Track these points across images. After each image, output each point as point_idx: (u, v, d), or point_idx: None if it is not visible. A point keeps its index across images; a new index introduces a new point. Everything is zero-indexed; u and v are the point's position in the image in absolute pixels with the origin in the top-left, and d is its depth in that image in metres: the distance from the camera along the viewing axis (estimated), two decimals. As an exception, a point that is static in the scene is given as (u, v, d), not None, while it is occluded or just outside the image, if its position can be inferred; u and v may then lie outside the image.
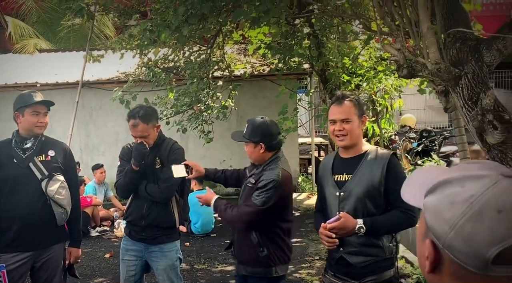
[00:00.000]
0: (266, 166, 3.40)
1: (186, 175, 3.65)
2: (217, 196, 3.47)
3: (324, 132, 17.67)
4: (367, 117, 3.04)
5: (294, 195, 11.48)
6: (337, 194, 2.94)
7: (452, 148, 10.18)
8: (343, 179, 2.91)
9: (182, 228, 8.14)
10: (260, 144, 3.37)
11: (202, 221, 7.92)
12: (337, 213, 2.92)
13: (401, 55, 4.37)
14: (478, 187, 0.98)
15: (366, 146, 3.01)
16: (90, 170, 10.06)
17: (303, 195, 11.38)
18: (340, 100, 2.96)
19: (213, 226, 8.00)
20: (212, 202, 3.45)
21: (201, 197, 3.49)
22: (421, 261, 1.07)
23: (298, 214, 9.67)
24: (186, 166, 3.67)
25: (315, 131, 18.81)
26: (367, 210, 2.86)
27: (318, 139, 15.50)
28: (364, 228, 2.74)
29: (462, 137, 5.97)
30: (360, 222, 2.77)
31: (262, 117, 3.41)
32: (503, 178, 1.00)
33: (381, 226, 2.74)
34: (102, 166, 9.51)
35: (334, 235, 2.80)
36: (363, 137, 3.08)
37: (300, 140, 15.69)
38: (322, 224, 2.87)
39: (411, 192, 1.10)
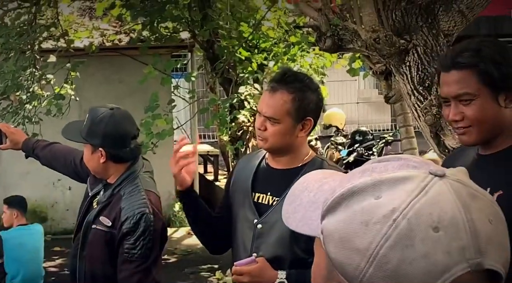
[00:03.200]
0: (118, 187, 3.36)
1: None
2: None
3: (213, 137, 17.76)
4: (311, 120, 2.99)
5: (169, 231, 11.39)
6: (254, 221, 2.98)
7: (397, 158, 10.54)
8: (266, 202, 2.94)
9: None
10: (100, 149, 3.34)
11: (25, 274, 7.65)
12: (250, 252, 2.96)
13: (323, 19, 4.46)
14: (402, 196, 0.98)
15: (309, 156, 3.04)
16: None
17: (182, 231, 11.26)
18: (275, 85, 2.93)
19: (42, 282, 7.75)
20: None
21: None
22: None
23: (175, 259, 9.59)
24: None
25: (200, 136, 18.89)
26: (295, 255, 2.90)
27: (204, 148, 15.54)
28: (284, 276, 2.78)
29: (410, 141, 6.17)
30: (281, 275, 2.81)
31: (111, 108, 3.36)
32: (433, 178, 1.00)
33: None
34: None
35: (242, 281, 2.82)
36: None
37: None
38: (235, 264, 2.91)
39: (298, 213, 1.09)
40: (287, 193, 2.78)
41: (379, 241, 0.95)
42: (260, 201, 2.92)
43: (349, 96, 21.92)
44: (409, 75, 4.14)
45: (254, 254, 2.89)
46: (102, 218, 3.33)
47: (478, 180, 2.40)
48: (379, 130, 19.78)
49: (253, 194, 3.02)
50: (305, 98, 2.94)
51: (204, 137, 18.85)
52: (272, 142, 2.93)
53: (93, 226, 3.36)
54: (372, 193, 0.99)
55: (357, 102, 22.01)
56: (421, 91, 4.02)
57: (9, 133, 3.87)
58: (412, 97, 4.11)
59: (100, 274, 3.36)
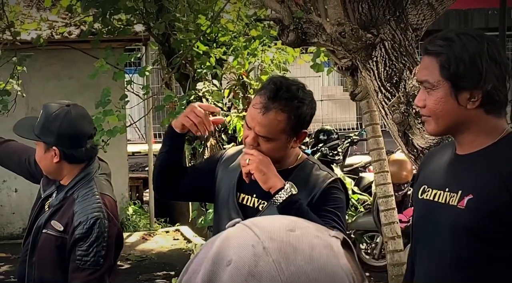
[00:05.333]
0: (71, 190, 3.31)
1: None
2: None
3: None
4: (306, 132, 3.07)
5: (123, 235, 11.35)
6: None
7: (363, 158, 10.59)
8: (251, 204, 2.93)
9: None
10: (54, 148, 3.30)
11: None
12: None
13: (286, 11, 4.45)
14: None
15: (300, 158, 3.05)
16: None
17: (136, 236, 11.21)
18: (268, 103, 2.87)
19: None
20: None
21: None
22: None
23: (128, 265, 9.54)
24: None
25: (155, 135, 18.77)
26: None
27: (158, 147, 15.45)
28: (293, 192, 2.73)
29: (377, 140, 6.18)
30: (290, 187, 2.79)
31: (68, 105, 3.32)
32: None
33: (311, 217, 2.75)
34: None
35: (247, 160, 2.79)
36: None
37: (131, 148, 15.57)
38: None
39: None
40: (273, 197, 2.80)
41: None
42: (245, 202, 2.91)
43: (313, 94, 21.93)
44: (376, 71, 4.15)
45: None
46: (53, 222, 3.29)
47: (450, 183, 2.42)
48: (344, 129, 19.84)
49: (238, 194, 3.01)
50: (300, 115, 2.93)
51: (160, 137, 18.75)
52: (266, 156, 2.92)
53: (44, 231, 3.32)
54: None
55: (321, 100, 22.00)
56: (389, 88, 4.04)
57: None
58: (379, 94, 4.12)
59: (50, 281, 3.31)
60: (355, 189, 8.28)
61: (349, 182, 8.29)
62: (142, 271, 8.87)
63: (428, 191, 2.52)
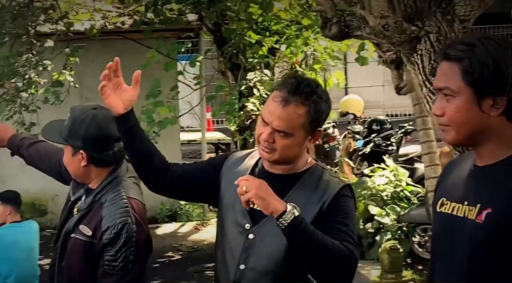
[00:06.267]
0: (99, 194, 3.32)
1: None
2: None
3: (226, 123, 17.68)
4: (321, 130, 2.99)
5: (174, 226, 11.44)
6: (246, 226, 2.95)
7: (419, 148, 10.45)
8: (259, 208, 2.88)
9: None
10: (81, 152, 3.30)
11: (19, 274, 7.66)
12: (238, 261, 2.94)
13: (329, 4, 4.39)
14: None
15: (309, 163, 3.02)
16: None
17: (189, 226, 11.29)
18: (288, 96, 2.86)
19: (37, 281, 7.76)
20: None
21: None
22: None
23: (179, 256, 9.59)
24: None
25: (213, 122, 18.82)
26: (289, 271, 2.89)
27: (215, 136, 15.51)
28: (296, 214, 2.67)
29: (427, 132, 6.10)
30: (292, 208, 2.70)
31: (94, 108, 3.32)
32: None
33: (317, 236, 2.72)
34: None
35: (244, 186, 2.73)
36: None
37: (188, 136, 15.63)
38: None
39: None
40: (285, 199, 2.76)
41: None
42: (252, 206, 2.87)
43: (373, 79, 21.59)
44: (420, 65, 4.07)
45: None
46: (81, 227, 3.28)
47: (468, 196, 2.35)
48: (405, 115, 19.47)
49: None
50: (319, 110, 2.90)
51: (218, 123, 18.79)
52: (281, 155, 2.90)
53: (72, 235, 3.30)
54: None
55: (382, 85, 21.69)
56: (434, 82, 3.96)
57: None
58: (424, 88, 4.05)
59: None
60: (408, 180, 8.17)
61: (402, 173, 8.19)
62: (193, 263, 8.87)
63: (447, 204, 2.43)
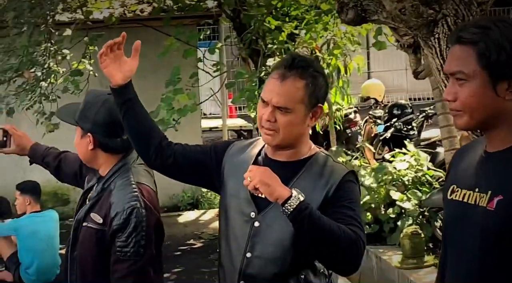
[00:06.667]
0: (108, 181, 3.32)
1: (1, 145, 3.75)
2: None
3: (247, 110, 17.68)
4: (322, 106, 2.97)
5: (196, 213, 11.47)
6: (252, 214, 2.94)
7: (440, 132, 10.37)
8: (263, 195, 2.86)
9: (5, 275, 7.87)
10: (89, 135, 3.32)
11: (40, 264, 7.70)
12: (244, 250, 2.93)
13: (344, -12, 4.35)
14: None
15: (312, 149, 3.02)
16: None
17: (210, 213, 11.35)
18: (285, 71, 2.89)
19: (58, 272, 7.80)
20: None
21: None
22: None
23: (201, 244, 9.65)
24: (3, 132, 3.78)
25: (236, 108, 18.82)
26: (296, 257, 2.89)
27: (237, 122, 15.52)
28: (301, 199, 2.65)
29: (446, 117, 6.05)
30: (298, 194, 2.68)
31: (109, 93, 3.31)
32: None
33: (323, 221, 2.70)
34: None
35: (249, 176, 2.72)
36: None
37: (209, 123, 15.65)
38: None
39: None
40: (289, 186, 2.74)
41: None
42: (258, 194, 2.85)
43: (395, 63, 21.46)
44: (438, 49, 4.03)
45: None
46: (92, 215, 3.28)
47: (479, 183, 2.30)
48: (428, 98, 19.30)
49: None
50: (317, 84, 2.91)
51: (241, 109, 18.77)
52: (284, 134, 2.88)
53: (84, 224, 3.31)
54: None
55: (405, 69, 21.51)
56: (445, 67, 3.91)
57: (16, 137, 3.77)
58: (442, 73, 4.00)
59: (91, 276, 3.31)
60: (429, 164, 8.10)
61: (424, 157, 8.12)
62: (214, 250, 8.77)
63: (458, 191, 2.39)
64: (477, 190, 2.29)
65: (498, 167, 2.26)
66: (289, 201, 2.63)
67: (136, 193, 3.22)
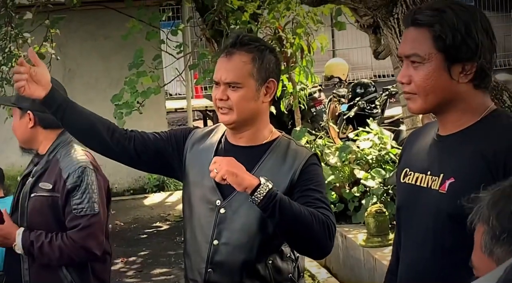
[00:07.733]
0: (53, 153, 3.41)
1: None
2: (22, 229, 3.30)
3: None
4: (275, 81, 2.98)
5: (162, 196, 11.47)
6: (217, 202, 2.95)
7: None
8: (227, 182, 2.87)
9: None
10: (28, 113, 3.39)
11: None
12: (211, 237, 2.93)
13: (304, -31, 4.36)
14: None
15: (274, 133, 3.04)
16: None
17: (177, 195, 11.28)
18: (229, 49, 2.93)
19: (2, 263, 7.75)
20: (19, 239, 3.35)
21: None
22: None
23: (167, 226, 9.66)
24: None
25: (201, 89, 18.72)
26: (263, 241, 2.91)
27: (202, 103, 15.45)
28: (270, 186, 2.65)
29: (408, 95, 6.09)
30: (266, 182, 2.68)
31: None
32: None
33: (293, 206, 2.71)
34: None
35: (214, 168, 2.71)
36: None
37: (175, 104, 15.57)
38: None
39: None
40: (254, 172, 2.75)
41: None
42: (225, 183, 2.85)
43: (360, 40, 21.45)
44: (397, 29, 4.06)
45: None
46: (41, 184, 3.39)
47: (432, 166, 2.33)
48: (393, 75, 19.34)
49: None
50: (264, 57, 2.93)
51: (206, 90, 18.67)
52: (238, 110, 2.89)
53: (32, 195, 3.40)
54: None
55: (370, 46, 21.54)
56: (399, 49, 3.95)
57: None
58: (400, 53, 4.03)
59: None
60: (393, 143, 8.16)
61: (387, 136, 8.18)
62: (180, 232, 8.71)
63: (410, 174, 2.41)
64: (429, 173, 2.32)
65: (450, 150, 2.29)
66: (259, 189, 2.63)
67: (84, 156, 3.38)
